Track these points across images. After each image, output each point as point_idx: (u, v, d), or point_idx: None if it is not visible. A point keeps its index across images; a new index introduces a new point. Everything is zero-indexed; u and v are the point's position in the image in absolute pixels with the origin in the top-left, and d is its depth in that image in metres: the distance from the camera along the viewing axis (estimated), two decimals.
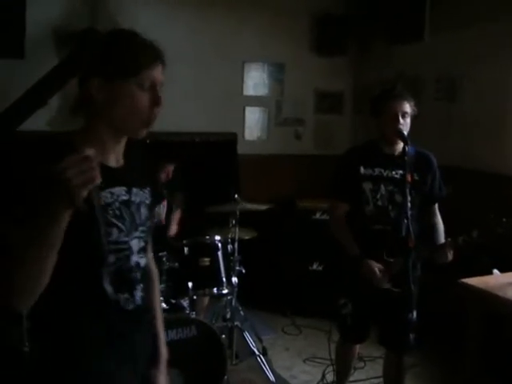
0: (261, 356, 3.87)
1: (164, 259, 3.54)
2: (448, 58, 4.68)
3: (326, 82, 5.82)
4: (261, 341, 4.21)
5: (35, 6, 4.56)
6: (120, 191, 1.56)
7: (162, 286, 3.47)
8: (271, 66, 5.64)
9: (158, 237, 4.00)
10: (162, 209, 4.25)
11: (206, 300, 4.17)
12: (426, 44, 4.93)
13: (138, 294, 1.62)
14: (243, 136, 5.64)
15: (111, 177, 1.50)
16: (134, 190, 1.61)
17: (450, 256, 2.89)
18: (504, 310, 3.07)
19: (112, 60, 1.49)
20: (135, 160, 1.66)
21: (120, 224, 1.54)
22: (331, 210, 3.27)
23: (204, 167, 5.16)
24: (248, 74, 5.57)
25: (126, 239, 1.56)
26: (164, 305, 3.44)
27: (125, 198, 1.57)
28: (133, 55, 1.50)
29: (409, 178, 2.64)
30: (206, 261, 3.67)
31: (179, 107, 4.77)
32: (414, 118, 3.01)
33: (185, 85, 5.11)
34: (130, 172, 1.61)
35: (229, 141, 5.55)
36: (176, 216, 4.41)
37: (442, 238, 3.12)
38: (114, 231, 1.53)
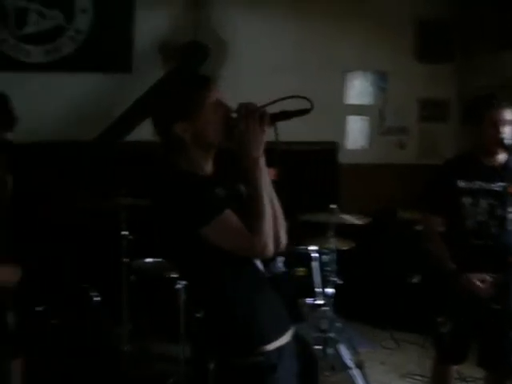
0: (356, 369, 3.80)
1: None
2: None
3: (430, 89, 5.66)
4: (357, 354, 4.14)
5: (143, 22, 4.78)
6: None
7: None
8: (374, 74, 5.58)
9: None
10: None
11: (304, 310, 4.15)
12: None
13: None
14: (345, 145, 5.60)
15: None
16: None
17: None
18: None
19: (184, 105, 1.79)
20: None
21: None
22: (424, 222, 3.16)
23: (304, 176, 5.16)
24: (350, 83, 5.54)
25: None
26: None
27: None
28: (195, 92, 1.80)
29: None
30: (301, 271, 3.66)
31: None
32: None
33: (287, 94, 5.15)
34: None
35: (329, 150, 5.53)
36: None
37: None
38: None
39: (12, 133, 2.66)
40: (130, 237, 3.86)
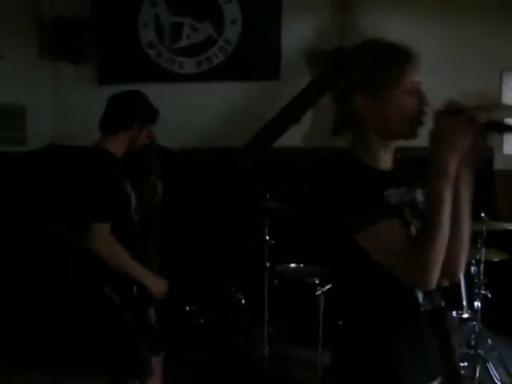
0: None
1: None
2: None
3: None
4: (510, 375, 3.84)
5: (289, 30, 4.85)
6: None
7: None
8: None
9: None
10: None
11: (452, 323, 3.96)
12: None
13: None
14: (502, 150, 5.26)
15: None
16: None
17: None
18: None
19: (373, 75, 1.54)
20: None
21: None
22: None
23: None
24: (507, 83, 5.18)
25: None
26: None
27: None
28: (390, 65, 1.55)
29: None
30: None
31: (430, 120, 4.64)
32: None
33: (437, 97, 4.95)
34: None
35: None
36: None
37: None
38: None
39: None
40: (272, 241, 3.91)
